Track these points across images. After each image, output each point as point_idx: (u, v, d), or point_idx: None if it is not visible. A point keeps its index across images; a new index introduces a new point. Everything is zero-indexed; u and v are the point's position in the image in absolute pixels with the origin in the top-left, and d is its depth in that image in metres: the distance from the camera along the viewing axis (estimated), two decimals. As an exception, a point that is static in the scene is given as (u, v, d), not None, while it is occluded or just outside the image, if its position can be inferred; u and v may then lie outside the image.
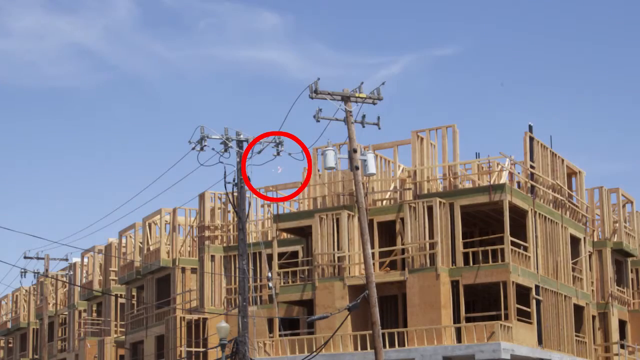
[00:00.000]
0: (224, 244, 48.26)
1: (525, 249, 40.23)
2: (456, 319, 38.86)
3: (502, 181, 40.12)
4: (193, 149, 31.35)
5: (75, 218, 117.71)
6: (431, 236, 39.23)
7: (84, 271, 63.76)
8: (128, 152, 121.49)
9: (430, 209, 39.36)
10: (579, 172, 46.62)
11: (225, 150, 31.37)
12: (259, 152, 31.64)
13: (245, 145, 31.54)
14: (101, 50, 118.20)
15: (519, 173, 41.50)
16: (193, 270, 50.49)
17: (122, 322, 58.63)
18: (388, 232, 42.37)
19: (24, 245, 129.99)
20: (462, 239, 40.04)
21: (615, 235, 49.50)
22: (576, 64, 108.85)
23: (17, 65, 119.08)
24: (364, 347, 39.04)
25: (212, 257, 47.90)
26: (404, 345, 38.42)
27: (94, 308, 63.79)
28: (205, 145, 31.32)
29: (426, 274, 38.68)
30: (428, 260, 39.01)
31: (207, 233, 48.06)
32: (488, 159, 42.29)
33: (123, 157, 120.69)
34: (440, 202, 39.34)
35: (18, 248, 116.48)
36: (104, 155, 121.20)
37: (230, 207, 48.26)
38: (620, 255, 50.26)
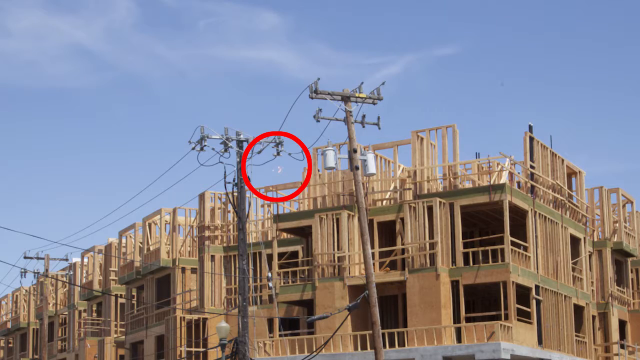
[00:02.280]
0: (224, 244, 48.24)
1: (525, 249, 40.19)
2: (456, 319, 38.82)
3: (502, 181, 40.08)
4: (193, 149, 31.34)
5: (75, 218, 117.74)
6: (431, 236, 39.20)
7: (84, 271, 63.74)
8: (128, 152, 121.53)
9: (430, 209, 39.33)
10: (579, 172, 46.59)
11: (225, 150, 31.35)
12: (259, 152, 31.62)
13: (245, 145, 31.52)
14: (101, 50, 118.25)
15: (519, 173, 41.47)
16: (193, 270, 50.47)
17: (122, 322, 58.59)
18: (388, 232, 42.33)
19: (24, 245, 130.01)
20: (462, 239, 39.99)
21: (615, 235, 49.48)
22: (576, 63, 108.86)
23: (17, 65, 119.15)
24: (364, 347, 39.01)
25: (212, 257, 47.88)
26: (404, 345, 38.40)
27: (94, 308, 63.75)
28: (205, 146, 31.31)
29: (426, 274, 38.64)
30: (428, 260, 38.97)
31: (207, 233, 48.04)
32: (488, 159, 42.26)
33: (123, 157, 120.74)
34: (440, 202, 39.31)
35: (18, 248, 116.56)
36: (104, 155, 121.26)
37: (230, 207, 48.24)
38: (620, 255, 50.25)
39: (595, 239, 49.04)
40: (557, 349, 40.80)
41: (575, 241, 44.91)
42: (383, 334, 37.49)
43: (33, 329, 72.00)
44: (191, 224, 51.41)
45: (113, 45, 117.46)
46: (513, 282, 38.00)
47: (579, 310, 44.10)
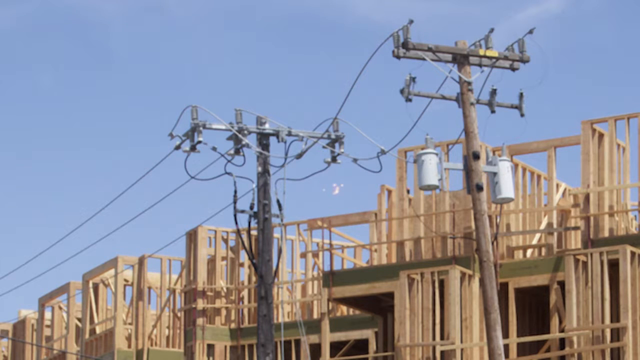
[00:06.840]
0: (230, 323, 48.31)
1: None
2: None
3: None
4: (178, 147, 31.50)
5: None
6: (616, 315, 39.10)
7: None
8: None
9: (614, 266, 39.23)
10: None
11: (237, 152, 31.54)
12: (298, 155, 31.75)
13: (271, 142, 31.72)
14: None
15: None
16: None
17: None
18: (535, 307, 42.45)
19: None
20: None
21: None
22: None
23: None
24: None
25: (210, 347, 47.96)
26: None
27: None
28: (199, 142, 31.42)
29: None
30: (609, 357, 38.94)
31: (200, 303, 48.15)
32: None
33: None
34: (633, 254, 39.20)
35: None
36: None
37: (243, 257, 48.37)
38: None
39: None
40: None
41: None
42: None
43: None
44: (172, 286, 51.61)
45: None
46: None
47: None
